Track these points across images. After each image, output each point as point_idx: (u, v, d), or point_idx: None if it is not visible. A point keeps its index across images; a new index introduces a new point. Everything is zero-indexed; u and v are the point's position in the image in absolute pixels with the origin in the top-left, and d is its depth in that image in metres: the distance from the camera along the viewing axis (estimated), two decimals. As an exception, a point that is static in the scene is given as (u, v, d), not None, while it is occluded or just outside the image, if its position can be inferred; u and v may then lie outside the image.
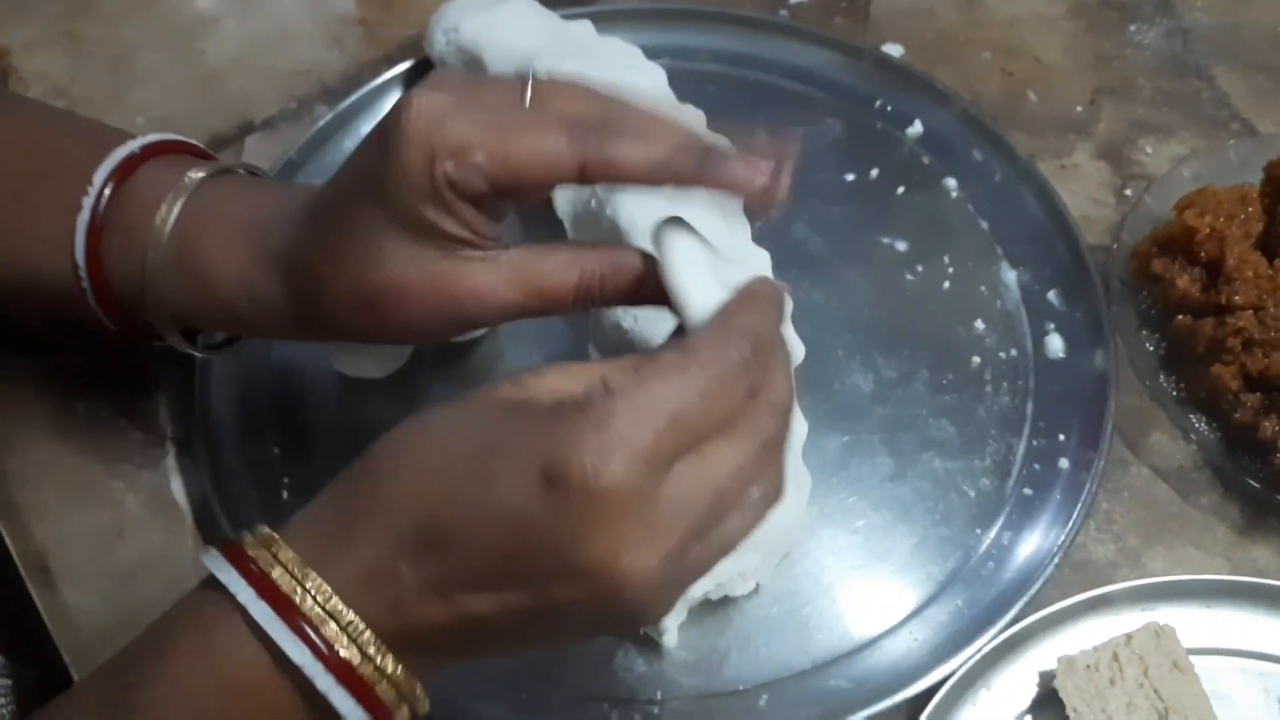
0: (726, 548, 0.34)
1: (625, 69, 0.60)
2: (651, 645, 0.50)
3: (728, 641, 0.50)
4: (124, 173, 0.45)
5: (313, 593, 0.33)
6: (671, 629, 0.48)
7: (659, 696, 0.49)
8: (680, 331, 0.37)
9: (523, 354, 0.58)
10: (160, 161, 0.47)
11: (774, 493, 0.35)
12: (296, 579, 0.33)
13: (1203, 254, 0.55)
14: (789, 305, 0.39)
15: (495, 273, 0.39)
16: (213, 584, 0.34)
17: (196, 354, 0.50)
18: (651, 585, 0.32)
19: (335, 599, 0.33)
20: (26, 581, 0.52)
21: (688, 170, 0.36)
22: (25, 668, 0.52)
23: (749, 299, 0.35)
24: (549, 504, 0.31)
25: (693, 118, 0.59)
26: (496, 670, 0.50)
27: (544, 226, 0.59)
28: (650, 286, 0.38)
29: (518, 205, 0.40)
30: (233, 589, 0.33)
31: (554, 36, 0.62)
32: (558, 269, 0.39)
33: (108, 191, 0.45)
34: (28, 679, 0.52)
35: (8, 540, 0.53)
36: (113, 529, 0.53)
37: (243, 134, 0.67)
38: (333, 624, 0.33)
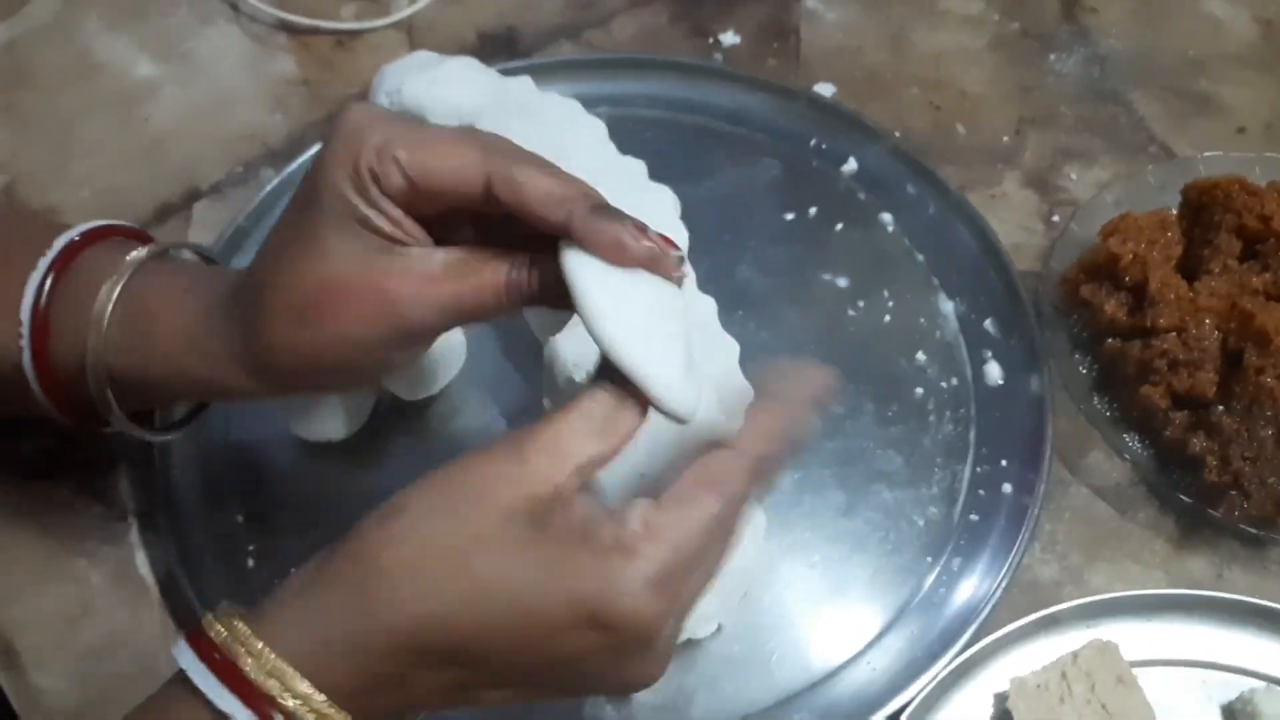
0: None
1: (566, 124, 0.61)
2: (620, 690, 0.51)
3: (694, 682, 0.52)
4: (65, 261, 0.46)
5: (315, 708, 0.34)
6: (638, 674, 0.50)
7: (629, 741, 0.50)
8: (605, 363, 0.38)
9: (478, 410, 0.59)
10: (101, 247, 0.47)
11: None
12: (293, 692, 0.34)
13: (1127, 279, 0.58)
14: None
15: (429, 267, 0.40)
16: (191, 686, 0.34)
17: (146, 438, 0.50)
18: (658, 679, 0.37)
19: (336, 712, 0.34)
20: (-7, 665, 0.52)
21: (581, 214, 0.37)
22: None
23: (768, 418, 0.39)
24: (590, 642, 0.34)
25: (634, 169, 0.61)
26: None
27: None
28: None
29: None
30: (225, 707, 0.33)
31: (495, 94, 0.63)
32: (489, 261, 0.40)
33: (49, 281, 0.46)
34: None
35: (-29, 625, 0.53)
36: (78, 607, 0.54)
37: (190, 201, 0.68)
38: None
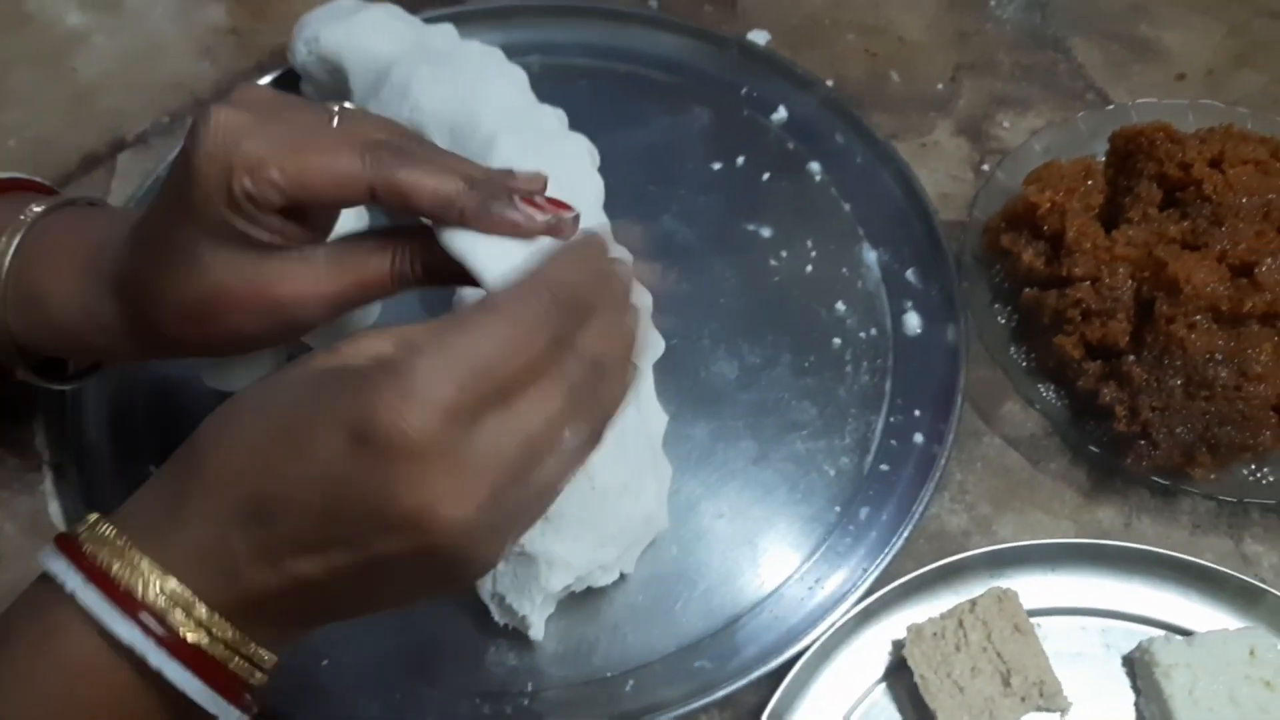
0: (546, 494, 0.35)
1: (484, 72, 0.61)
2: (523, 639, 0.51)
3: (596, 631, 0.52)
4: None
5: (142, 572, 0.34)
6: (537, 623, 0.50)
7: (530, 688, 0.51)
8: None
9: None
10: (3, 200, 0.47)
11: (593, 439, 0.36)
12: (125, 560, 0.34)
13: (1045, 228, 0.57)
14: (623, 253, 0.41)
15: (312, 269, 0.41)
16: (48, 575, 0.35)
17: (50, 387, 0.50)
18: (470, 534, 0.33)
19: (165, 577, 0.34)
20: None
21: (472, 210, 0.39)
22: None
23: (558, 253, 0.36)
24: (359, 462, 0.32)
25: (550, 118, 0.60)
26: (372, 671, 0.51)
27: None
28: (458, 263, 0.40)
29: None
30: (61, 577, 0.34)
31: (413, 42, 0.62)
32: (372, 255, 0.41)
33: None
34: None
35: (-116, 574, 0.54)
36: (-10, 556, 0.54)
37: (115, 151, 0.68)
38: (160, 599, 0.34)
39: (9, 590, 0.52)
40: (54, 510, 0.56)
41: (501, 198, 0.39)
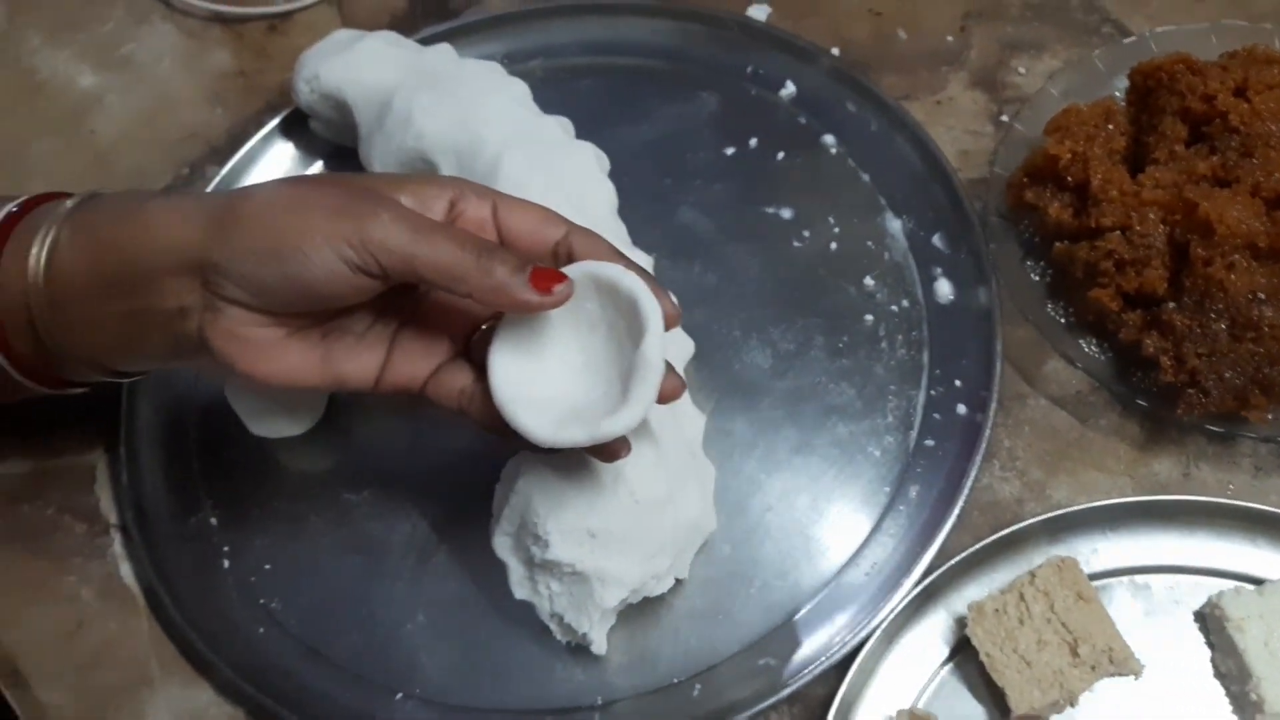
0: None
1: (484, 90, 0.60)
2: (589, 653, 0.52)
3: (659, 638, 0.52)
4: (5, 232, 0.47)
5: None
6: (598, 639, 0.50)
7: (599, 701, 0.51)
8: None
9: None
10: (39, 211, 0.48)
11: None
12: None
13: (1069, 179, 0.56)
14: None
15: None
16: None
17: (114, 381, 0.51)
18: None
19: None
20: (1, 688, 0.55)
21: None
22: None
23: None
24: None
25: (554, 130, 0.60)
26: (445, 700, 0.52)
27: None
28: None
29: None
30: None
31: (411, 68, 0.62)
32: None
33: None
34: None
35: (-23, 649, 0.56)
36: (72, 623, 0.56)
37: (141, 210, 0.69)
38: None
39: (91, 655, 0.55)
40: (126, 571, 0.57)
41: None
